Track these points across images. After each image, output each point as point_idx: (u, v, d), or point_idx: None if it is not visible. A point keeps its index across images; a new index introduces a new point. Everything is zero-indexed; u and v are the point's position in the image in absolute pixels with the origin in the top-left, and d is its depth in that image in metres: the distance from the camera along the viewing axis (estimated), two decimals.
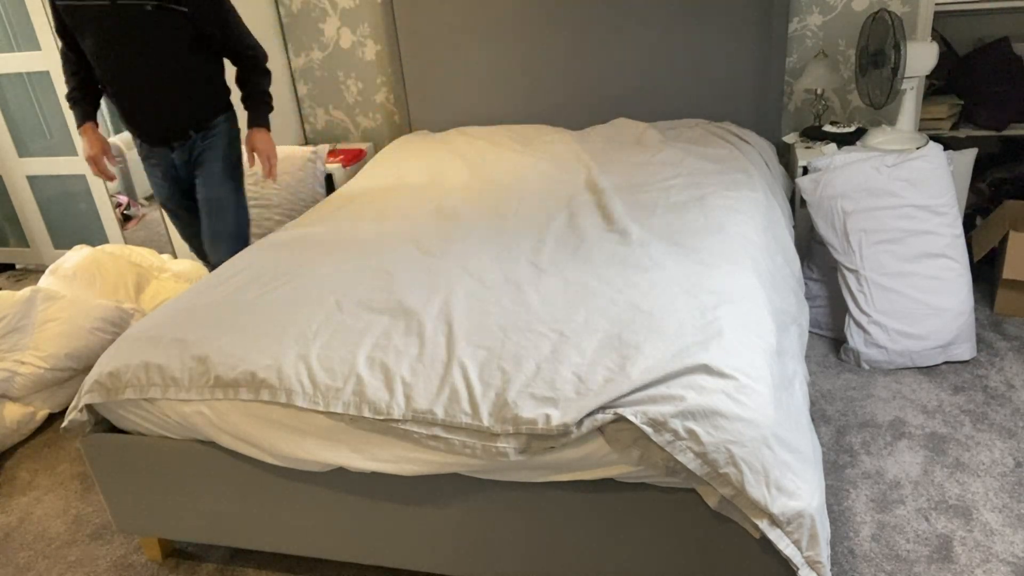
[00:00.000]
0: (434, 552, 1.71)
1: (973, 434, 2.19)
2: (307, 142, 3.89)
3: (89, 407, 1.85)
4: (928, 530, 1.88)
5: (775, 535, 1.37)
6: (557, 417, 1.42)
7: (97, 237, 3.90)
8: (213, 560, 2.04)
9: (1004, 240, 2.73)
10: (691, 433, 1.37)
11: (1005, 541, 1.83)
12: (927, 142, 2.68)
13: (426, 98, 3.46)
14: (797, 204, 2.84)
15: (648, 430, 1.38)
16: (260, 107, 2.50)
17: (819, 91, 3.02)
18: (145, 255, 3.32)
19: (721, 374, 1.45)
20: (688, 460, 1.37)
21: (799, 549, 1.38)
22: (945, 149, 2.59)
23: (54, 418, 2.76)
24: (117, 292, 3.06)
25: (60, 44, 2.40)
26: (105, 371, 1.78)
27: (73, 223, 3.92)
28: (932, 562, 1.79)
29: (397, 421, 1.53)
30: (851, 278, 2.51)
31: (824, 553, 1.39)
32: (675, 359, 1.49)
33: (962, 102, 3.00)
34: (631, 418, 1.39)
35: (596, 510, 1.54)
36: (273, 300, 1.93)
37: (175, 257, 3.79)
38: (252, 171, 3.29)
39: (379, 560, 1.77)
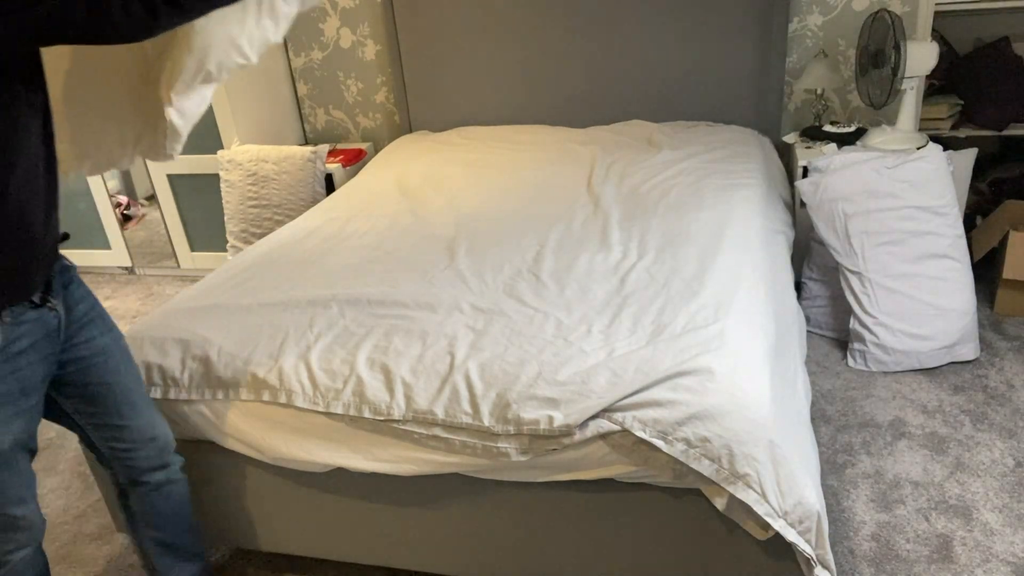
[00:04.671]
0: (434, 552, 1.71)
1: (973, 434, 2.19)
2: (307, 142, 3.89)
3: None
4: (928, 530, 1.88)
5: (791, 535, 1.36)
6: (559, 418, 1.42)
7: (97, 237, 3.90)
8: (213, 560, 2.04)
9: (1004, 240, 2.73)
10: (703, 440, 1.37)
11: (1005, 541, 1.83)
12: (927, 142, 2.68)
13: (426, 98, 3.46)
14: (797, 204, 2.84)
15: (659, 443, 1.38)
16: None
17: (819, 91, 3.02)
18: None
19: (724, 375, 1.45)
20: (704, 467, 1.37)
21: (811, 547, 1.38)
22: (945, 149, 2.59)
23: None
24: None
25: None
26: None
27: (73, 223, 3.92)
28: (932, 562, 1.79)
29: (397, 422, 1.53)
30: (854, 280, 2.51)
31: (829, 552, 1.40)
32: (677, 361, 1.49)
33: (962, 102, 3.00)
34: (639, 433, 1.38)
35: (596, 510, 1.54)
36: (274, 301, 1.93)
37: (177, 263, 3.79)
38: (251, 160, 3.29)
39: (379, 560, 1.77)
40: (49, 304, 1.30)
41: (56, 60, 1.52)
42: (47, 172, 1.25)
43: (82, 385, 1.41)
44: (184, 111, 1.53)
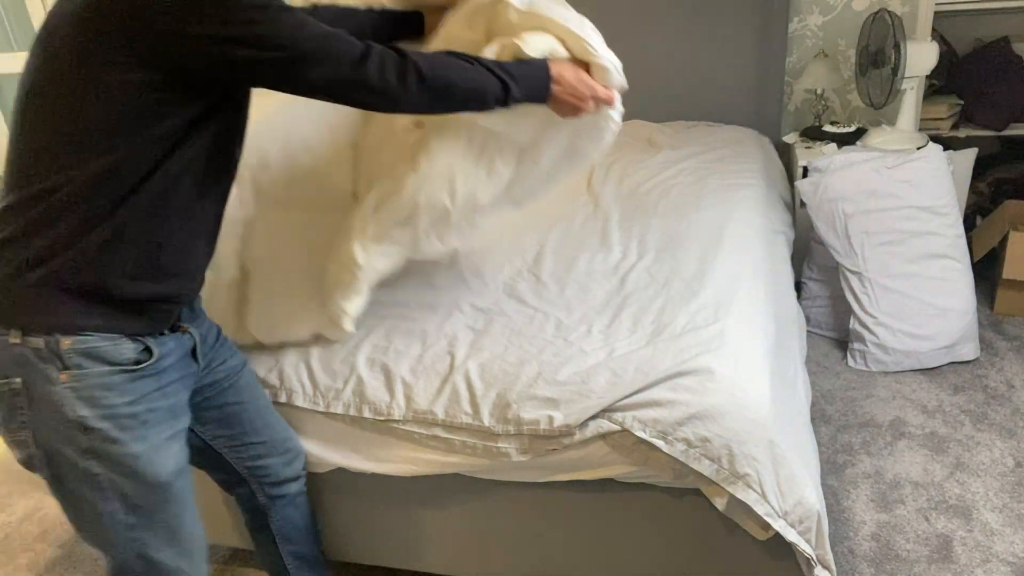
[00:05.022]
0: (434, 552, 1.71)
1: (973, 434, 2.19)
2: None
3: None
4: (928, 530, 1.88)
5: (791, 535, 1.36)
6: (559, 418, 1.42)
7: None
8: (213, 560, 2.04)
9: (1004, 240, 2.73)
10: (703, 440, 1.37)
11: (1005, 541, 1.83)
12: (927, 142, 2.68)
13: None
14: (796, 204, 2.84)
15: (659, 443, 1.38)
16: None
17: (819, 91, 3.02)
18: None
19: (724, 375, 1.44)
20: (704, 467, 1.37)
21: (811, 547, 1.39)
22: (945, 149, 2.59)
23: None
24: None
25: None
26: None
27: None
28: (932, 562, 1.79)
29: (397, 422, 1.53)
30: (854, 280, 2.51)
31: (829, 552, 1.40)
32: (677, 361, 1.49)
33: (962, 102, 3.00)
34: (639, 433, 1.38)
35: (596, 510, 1.54)
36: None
37: None
38: None
39: (379, 560, 1.77)
40: (181, 328, 1.30)
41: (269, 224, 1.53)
42: (216, 213, 1.27)
43: (218, 407, 1.43)
44: (371, 253, 1.47)
